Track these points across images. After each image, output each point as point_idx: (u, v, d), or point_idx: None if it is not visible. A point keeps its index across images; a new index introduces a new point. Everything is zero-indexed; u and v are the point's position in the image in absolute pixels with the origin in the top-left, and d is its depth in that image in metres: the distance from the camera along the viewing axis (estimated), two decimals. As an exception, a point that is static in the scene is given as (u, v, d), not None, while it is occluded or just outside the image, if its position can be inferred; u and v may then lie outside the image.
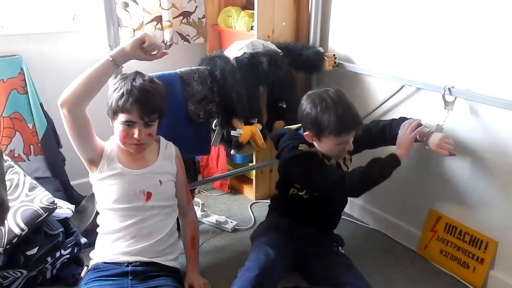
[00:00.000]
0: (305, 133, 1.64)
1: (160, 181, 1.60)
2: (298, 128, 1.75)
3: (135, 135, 1.49)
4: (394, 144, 1.70)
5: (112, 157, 1.57)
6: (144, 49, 1.48)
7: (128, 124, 1.48)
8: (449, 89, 1.70)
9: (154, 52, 1.51)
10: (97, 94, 1.49)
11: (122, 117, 1.47)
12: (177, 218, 1.73)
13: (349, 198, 1.82)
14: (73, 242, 1.76)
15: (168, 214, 1.65)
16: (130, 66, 1.61)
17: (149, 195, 1.57)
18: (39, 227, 1.64)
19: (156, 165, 1.62)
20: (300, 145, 1.63)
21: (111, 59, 1.45)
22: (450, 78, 1.73)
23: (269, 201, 1.99)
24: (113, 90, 1.49)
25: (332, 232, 1.87)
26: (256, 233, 1.83)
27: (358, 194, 1.67)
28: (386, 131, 1.75)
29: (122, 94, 1.45)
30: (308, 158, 1.62)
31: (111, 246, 1.57)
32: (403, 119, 1.76)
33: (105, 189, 1.57)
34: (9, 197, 1.66)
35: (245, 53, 1.90)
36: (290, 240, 1.71)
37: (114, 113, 1.48)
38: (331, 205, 1.79)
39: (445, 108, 1.72)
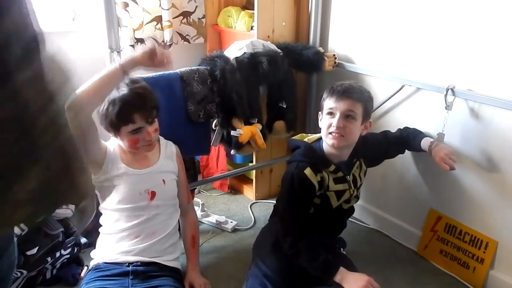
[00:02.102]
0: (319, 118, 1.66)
1: (163, 180, 1.62)
2: (318, 139, 1.70)
3: (146, 137, 1.52)
4: (403, 151, 1.85)
5: (115, 157, 1.58)
6: (153, 58, 1.47)
7: (136, 131, 1.50)
8: (451, 89, 1.70)
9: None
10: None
11: (127, 128, 1.49)
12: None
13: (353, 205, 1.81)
14: (73, 242, 1.76)
15: (171, 214, 1.66)
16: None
17: (153, 195, 1.58)
18: (39, 227, 1.64)
19: (159, 164, 1.63)
20: (307, 169, 1.59)
21: (120, 67, 1.44)
22: (450, 78, 1.73)
23: (269, 201, 1.99)
24: (105, 108, 1.48)
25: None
26: (258, 251, 1.78)
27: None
28: (400, 141, 1.83)
29: (120, 107, 1.46)
30: (301, 187, 1.59)
31: (114, 246, 1.57)
32: (413, 130, 1.83)
33: (109, 189, 1.57)
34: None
35: (245, 53, 1.90)
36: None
37: (117, 128, 1.50)
38: (338, 218, 1.78)
39: (445, 109, 1.72)
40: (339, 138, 1.56)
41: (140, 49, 1.47)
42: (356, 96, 1.57)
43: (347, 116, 1.55)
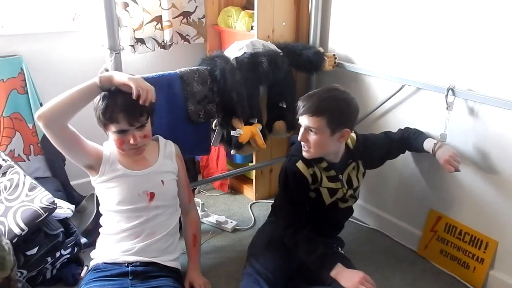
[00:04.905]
0: None
1: (162, 181, 1.61)
2: None
3: (131, 141, 1.49)
4: (404, 151, 1.87)
5: (113, 159, 1.57)
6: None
7: (121, 132, 1.48)
8: (451, 89, 1.70)
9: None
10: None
11: (112, 127, 1.47)
12: (179, 218, 1.73)
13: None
14: (73, 242, 1.76)
15: (171, 214, 1.65)
16: (129, 67, 1.59)
17: (152, 196, 1.58)
18: (39, 227, 1.64)
19: (158, 165, 1.62)
20: (299, 162, 1.62)
21: (99, 83, 1.42)
22: (450, 78, 1.73)
23: (269, 201, 1.98)
24: (96, 102, 1.47)
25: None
26: (253, 249, 1.79)
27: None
28: (402, 142, 1.84)
29: (106, 105, 1.44)
30: (295, 180, 1.61)
31: (114, 246, 1.57)
32: (414, 130, 1.84)
33: (108, 191, 1.57)
34: (9, 197, 1.67)
35: (245, 53, 1.90)
36: (289, 251, 1.67)
37: (104, 125, 1.49)
38: (334, 217, 1.78)
39: (447, 109, 1.72)
40: (307, 151, 1.59)
41: (124, 77, 1.42)
42: (315, 110, 1.51)
43: (310, 130, 1.55)
